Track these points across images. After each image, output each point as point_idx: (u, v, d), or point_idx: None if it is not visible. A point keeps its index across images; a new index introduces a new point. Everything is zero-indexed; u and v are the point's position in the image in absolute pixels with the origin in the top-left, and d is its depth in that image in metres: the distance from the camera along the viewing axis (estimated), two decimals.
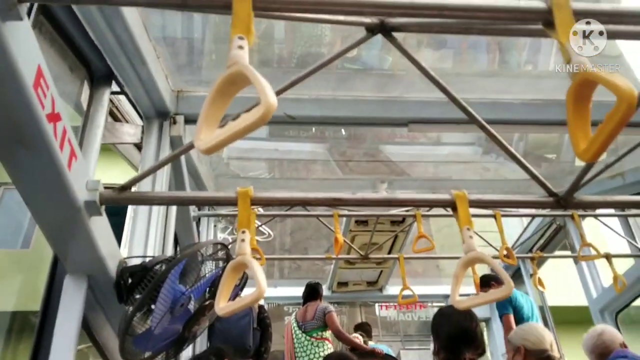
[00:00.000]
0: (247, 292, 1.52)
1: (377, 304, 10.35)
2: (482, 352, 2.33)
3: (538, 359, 2.38)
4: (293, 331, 5.15)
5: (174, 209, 3.16)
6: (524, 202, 1.92)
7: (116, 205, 1.77)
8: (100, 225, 1.77)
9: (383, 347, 5.47)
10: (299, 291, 6.82)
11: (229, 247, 2.22)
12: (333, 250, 3.61)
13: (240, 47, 1.04)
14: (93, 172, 2.37)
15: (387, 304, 9.60)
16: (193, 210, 4.08)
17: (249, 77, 0.91)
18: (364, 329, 6.01)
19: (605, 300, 4.85)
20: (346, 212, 3.97)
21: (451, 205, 1.74)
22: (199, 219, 4.58)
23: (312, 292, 5.29)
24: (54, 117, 1.44)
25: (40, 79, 1.36)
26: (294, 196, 1.80)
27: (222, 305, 1.37)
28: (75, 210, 1.62)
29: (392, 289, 7.26)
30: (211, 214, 4.68)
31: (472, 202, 1.72)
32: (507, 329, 5.02)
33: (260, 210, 4.07)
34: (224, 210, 4.67)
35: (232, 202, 1.68)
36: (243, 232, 1.54)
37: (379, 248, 5.33)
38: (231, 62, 1.00)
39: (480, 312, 4.17)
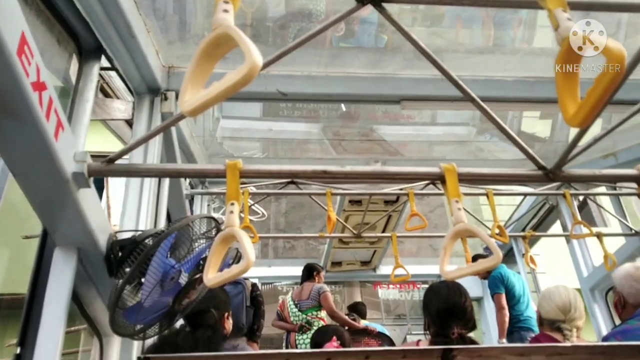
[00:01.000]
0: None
1: (378, 287, 10.15)
2: (473, 327, 2.34)
3: (550, 329, 2.38)
4: (288, 304, 5.20)
5: (166, 185, 3.14)
6: (513, 176, 1.92)
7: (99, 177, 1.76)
8: (88, 198, 1.76)
9: (377, 326, 5.52)
10: (293, 271, 6.87)
11: (222, 225, 2.21)
12: (327, 230, 3.61)
13: (226, 11, 1.02)
14: (82, 147, 2.35)
15: (382, 283, 9.51)
16: (186, 188, 4.06)
17: (234, 37, 0.90)
18: (357, 308, 6.05)
19: (596, 279, 4.89)
20: (340, 191, 3.96)
21: (440, 178, 1.73)
22: (192, 198, 4.56)
23: (307, 272, 5.37)
24: (39, 86, 1.42)
25: (25, 45, 1.33)
26: (282, 169, 1.79)
27: (211, 276, 1.37)
28: (63, 182, 1.61)
29: (386, 269, 7.31)
30: (204, 192, 4.66)
31: (462, 176, 1.72)
32: (499, 308, 5.08)
33: (254, 189, 4.05)
34: (216, 189, 4.66)
35: (220, 174, 1.67)
36: (232, 204, 1.54)
37: (372, 227, 5.35)
38: (216, 24, 0.98)
39: (472, 292, 4.20)
